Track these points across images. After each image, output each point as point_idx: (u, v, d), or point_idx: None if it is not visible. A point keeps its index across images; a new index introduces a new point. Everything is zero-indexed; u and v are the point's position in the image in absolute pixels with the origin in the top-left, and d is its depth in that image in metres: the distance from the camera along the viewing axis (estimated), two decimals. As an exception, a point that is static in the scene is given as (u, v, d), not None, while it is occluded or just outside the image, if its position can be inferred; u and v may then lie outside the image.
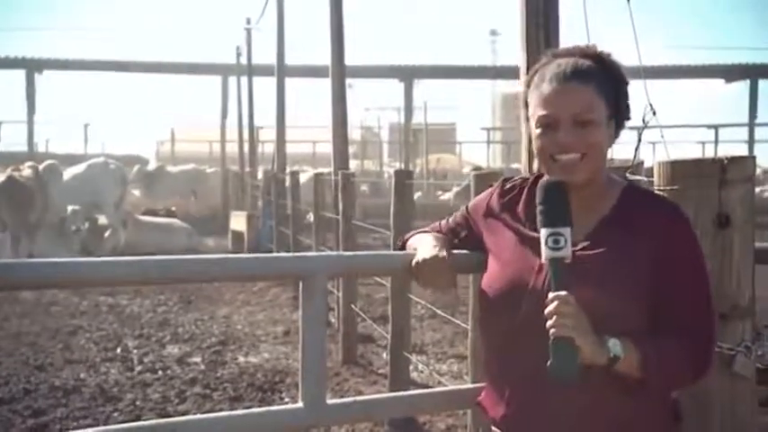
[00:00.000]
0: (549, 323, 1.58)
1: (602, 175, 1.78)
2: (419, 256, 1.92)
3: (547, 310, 1.59)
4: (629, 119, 1.81)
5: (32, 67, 30.36)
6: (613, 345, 1.60)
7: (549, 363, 1.58)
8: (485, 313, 1.85)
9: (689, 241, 1.71)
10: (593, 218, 1.74)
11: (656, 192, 1.94)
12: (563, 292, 1.59)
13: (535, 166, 2.02)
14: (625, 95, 1.78)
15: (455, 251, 1.98)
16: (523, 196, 1.84)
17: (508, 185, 1.91)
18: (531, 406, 1.73)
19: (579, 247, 1.71)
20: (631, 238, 1.69)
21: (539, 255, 1.67)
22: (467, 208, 2.01)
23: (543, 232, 1.64)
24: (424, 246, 1.96)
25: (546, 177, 1.73)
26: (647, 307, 1.67)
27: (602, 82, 1.72)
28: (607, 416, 1.67)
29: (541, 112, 1.72)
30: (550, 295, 1.60)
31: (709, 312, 1.71)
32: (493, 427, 1.86)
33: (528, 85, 1.81)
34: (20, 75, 30.39)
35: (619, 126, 1.78)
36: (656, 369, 1.64)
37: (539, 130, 1.73)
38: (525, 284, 1.72)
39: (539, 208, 1.67)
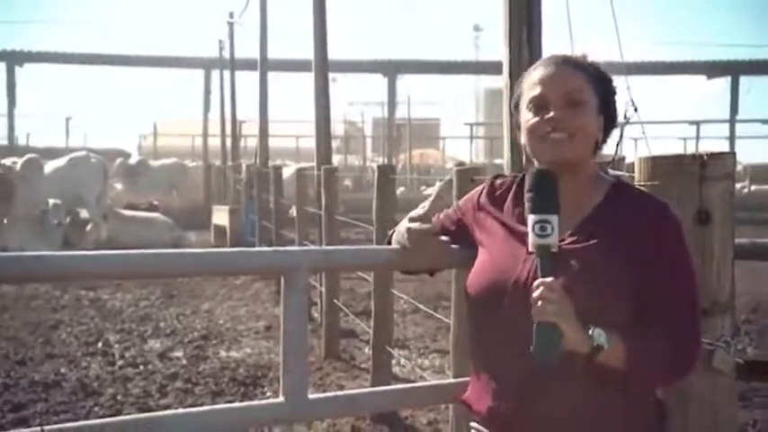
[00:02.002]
0: (533, 308, 1.59)
1: (590, 169, 1.80)
2: (406, 225, 1.94)
3: (532, 296, 1.60)
4: (615, 126, 1.84)
5: (13, 59, 30.05)
6: (598, 335, 1.61)
7: (531, 347, 1.59)
8: (472, 306, 1.86)
9: (675, 240, 1.71)
10: (580, 213, 1.76)
11: (644, 190, 1.95)
12: (549, 279, 1.61)
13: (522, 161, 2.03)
14: (613, 101, 1.82)
15: (452, 246, 1.98)
16: (512, 191, 1.86)
17: (499, 181, 1.93)
18: (515, 398, 1.73)
19: (565, 241, 1.72)
20: (617, 235, 1.70)
21: (526, 248, 1.69)
22: (458, 203, 2.02)
23: (530, 219, 1.66)
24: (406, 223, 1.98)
25: (536, 165, 1.76)
26: (630, 303, 1.67)
27: (592, 76, 1.78)
28: (592, 409, 1.68)
29: (534, 93, 1.76)
30: (536, 282, 1.62)
31: (694, 311, 1.71)
32: (472, 423, 1.86)
33: (519, 85, 1.84)
34: (0, 68, 30.09)
35: (606, 128, 1.81)
36: (640, 364, 1.65)
37: (530, 113, 1.76)
38: (511, 276, 1.73)
39: (527, 195, 1.70)
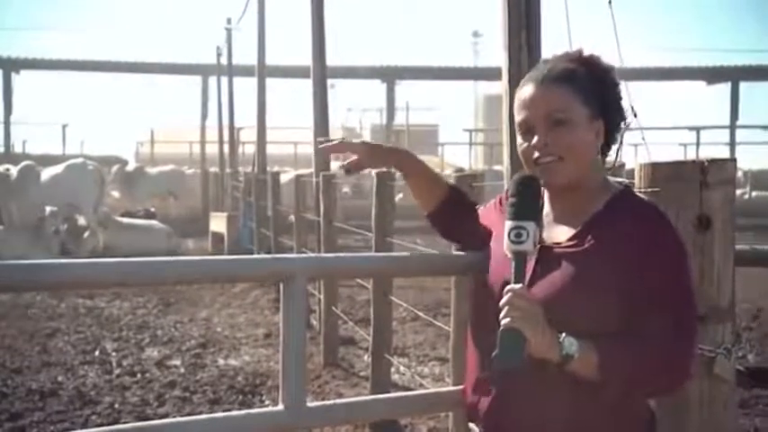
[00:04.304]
0: (500, 314, 1.60)
1: (591, 178, 1.77)
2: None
3: (501, 302, 1.61)
4: (623, 119, 1.81)
5: (9, 66, 30.04)
6: (569, 344, 1.60)
7: (494, 353, 1.60)
8: (472, 308, 1.88)
9: (670, 248, 1.69)
10: (580, 220, 1.75)
11: (646, 198, 1.93)
12: (518, 285, 1.62)
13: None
14: (614, 98, 1.79)
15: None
16: None
17: None
18: (493, 397, 1.76)
19: (562, 245, 1.73)
20: (612, 242, 1.68)
21: None
22: (491, 203, 2.05)
23: (507, 225, 1.68)
24: None
25: (522, 172, 1.77)
26: (618, 311, 1.66)
27: (582, 83, 1.73)
28: (564, 416, 1.67)
29: (519, 118, 1.77)
30: (506, 288, 1.62)
31: (686, 323, 1.67)
32: (471, 425, 1.88)
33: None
34: (-3, 74, 30.08)
35: (610, 129, 1.79)
36: (614, 375, 1.62)
37: (520, 137, 1.77)
38: (503, 279, 1.73)
39: (509, 200, 1.72)
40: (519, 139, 1.78)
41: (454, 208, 2.05)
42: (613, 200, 1.76)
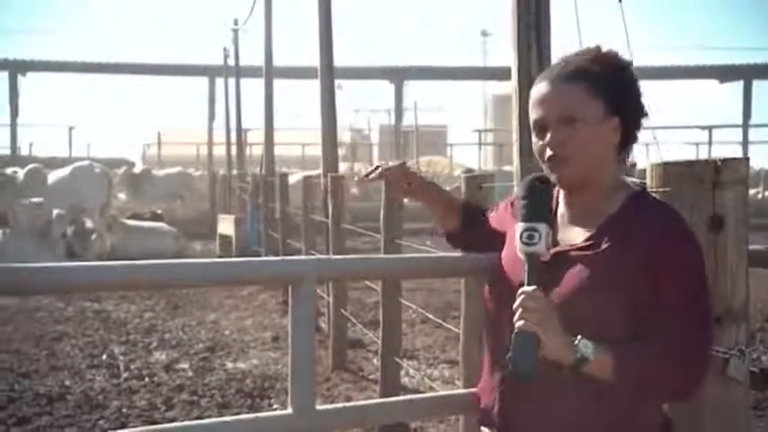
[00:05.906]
0: (515, 317, 1.59)
1: (605, 177, 1.75)
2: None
3: (514, 305, 1.60)
4: (643, 116, 1.78)
5: (16, 69, 30.19)
6: (584, 346, 1.58)
7: (507, 356, 1.59)
8: (486, 311, 1.87)
9: (686, 250, 1.67)
10: (595, 222, 1.74)
11: (661, 200, 1.90)
12: (531, 288, 1.61)
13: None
14: (631, 94, 1.75)
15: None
16: None
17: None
18: (506, 400, 1.75)
19: (575, 248, 1.71)
20: (624, 245, 1.67)
21: None
22: (503, 203, 2.06)
23: (519, 226, 1.68)
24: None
25: (533, 173, 1.77)
26: (632, 313, 1.64)
27: (596, 80, 1.71)
28: (578, 419, 1.66)
29: (534, 117, 1.76)
30: (520, 290, 1.61)
31: (701, 329, 1.65)
32: (483, 430, 1.86)
33: None
34: (3, 77, 30.21)
35: (628, 127, 1.75)
36: (632, 374, 1.61)
37: (534, 136, 1.77)
38: (517, 279, 1.72)
39: (521, 203, 1.71)
40: (533, 138, 1.77)
41: (470, 224, 2.08)
42: (629, 201, 1.74)
